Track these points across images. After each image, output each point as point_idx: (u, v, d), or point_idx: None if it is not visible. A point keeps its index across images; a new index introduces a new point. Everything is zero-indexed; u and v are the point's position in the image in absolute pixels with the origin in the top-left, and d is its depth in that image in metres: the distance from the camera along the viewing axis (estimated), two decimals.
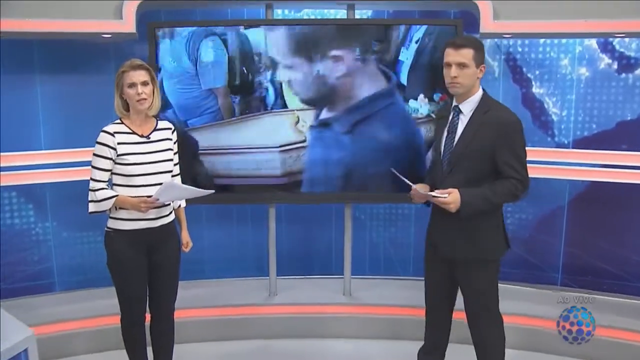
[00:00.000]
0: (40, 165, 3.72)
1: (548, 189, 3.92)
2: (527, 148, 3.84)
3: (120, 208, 2.62)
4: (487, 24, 3.33)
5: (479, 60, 2.48)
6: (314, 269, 4.27)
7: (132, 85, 2.58)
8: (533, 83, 3.92)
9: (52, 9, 3.26)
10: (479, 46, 2.49)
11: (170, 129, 2.79)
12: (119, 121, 2.67)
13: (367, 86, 3.43)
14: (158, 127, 2.73)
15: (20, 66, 3.70)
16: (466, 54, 2.45)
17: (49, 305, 3.76)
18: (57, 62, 3.76)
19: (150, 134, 2.68)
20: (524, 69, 3.92)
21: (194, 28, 3.41)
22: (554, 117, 3.93)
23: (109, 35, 3.36)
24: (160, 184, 2.61)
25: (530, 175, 3.71)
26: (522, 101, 3.95)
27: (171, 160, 2.73)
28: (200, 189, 2.66)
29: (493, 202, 2.49)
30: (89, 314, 3.59)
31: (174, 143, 2.78)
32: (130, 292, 2.73)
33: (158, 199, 2.57)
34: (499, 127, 2.46)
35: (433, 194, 2.51)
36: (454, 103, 2.58)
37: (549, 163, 3.76)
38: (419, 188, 2.58)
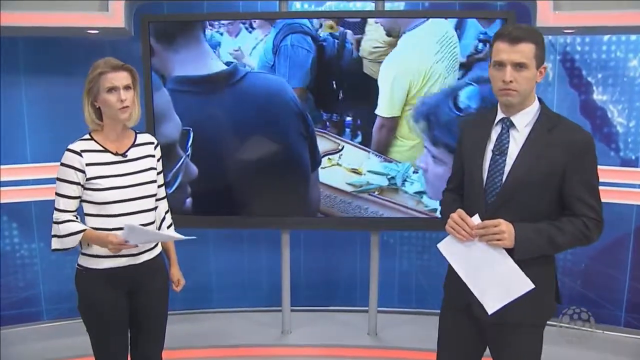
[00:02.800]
0: (25, 181, 3.43)
1: (610, 214, 3.30)
2: None
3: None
4: (546, 16, 2.83)
5: (541, 59, 1.90)
6: (335, 300, 3.87)
7: (113, 89, 2.11)
8: (594, 88, 3.46)
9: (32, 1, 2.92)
10: (540, 40, 1.90)
11: (153, 143, 2.32)
12: (87, 136, 2.19)
13: None
14: (137, 142, 2.26)
15: (2, 67, 3.38)
16: (526, 51, 1.86)
17: (35, 339, 3.46)
18: (45, 63, 3.46)
19: (127, 151, 2.21)
20: (584, 72, 3.47)
21: None
22: (619, 129, 3.47)
23: (96, 31, 3.00)
24: (144, 210, 2.20)
25: None
26: (581, 109, 3.50)
27: (154, 182, 2.26)
28: (170, 234, 2.19)
29: (558, 243, 1.91)
30: (80, 352, 3.13)
31: (158, 161, 2.32)
32: (108, 344, 2.26)
33: (127, 241, 2.10)
34: (570, 149, 1.89)
35: (479, 223, 1.94)
36: (500, 114, 1.98)
37: (612, 184, 3.28)
38: (465, 216, 1.97)
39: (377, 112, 2.98)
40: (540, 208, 1.93)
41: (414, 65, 2.93)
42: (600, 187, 3.16)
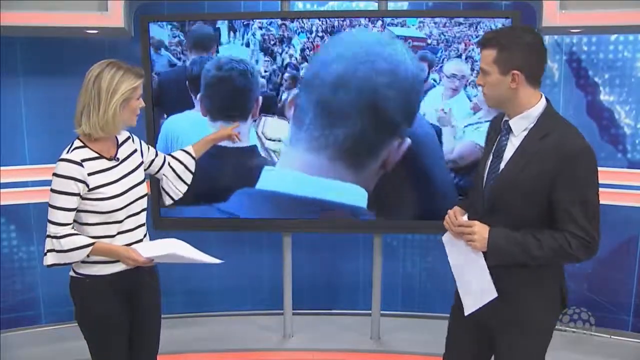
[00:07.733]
0: (24, 183, 3.37)
1: (618, 217, 3.34)
2: None
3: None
4: (552, 16, 2.76)
5: (508, 64, 1.80)
6: (337, 303, 3.81)
7: (139, 96, 2.12)
8: (601, 89, 3.38)
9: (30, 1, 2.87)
10: (507, 44, 1.80)
11: (130, 138, 2.27)
12: (80, 143, 2.09)
13: None
14: (119, 142, 2.20)
15: (1, 69, 3.32)
16: (486, 56, 1.84)
17: (34, 343, 3.42)
18: (43, 64, 3.39)
19: (116, 153, 2.16)
20: (590, 72, 3.38)
21: None
22: (627, 130, 3.39)
23: (95, 31, 2.94)
24: (141, 211, 2.18)
25: None
26: (587, 110, 3.42)
27: (144, 181, 2.23)
28: (208, 257, 2.22)
29: (534, 255, 1.80)
30: (79, 356, 2.99)
31: (141, 146, 2.31)
32: (110, 350, 2.20)
33: (153, 260, 2.08)
34: (560, 158, 1.77)
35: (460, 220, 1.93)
36: (505, 117, 1.93)
37: (619, 187, 3.21)
38: (457, 213, 1.96)
39: None
40: (530, 217, 1.85)
41: None
42: (607, 190, 3.12)
